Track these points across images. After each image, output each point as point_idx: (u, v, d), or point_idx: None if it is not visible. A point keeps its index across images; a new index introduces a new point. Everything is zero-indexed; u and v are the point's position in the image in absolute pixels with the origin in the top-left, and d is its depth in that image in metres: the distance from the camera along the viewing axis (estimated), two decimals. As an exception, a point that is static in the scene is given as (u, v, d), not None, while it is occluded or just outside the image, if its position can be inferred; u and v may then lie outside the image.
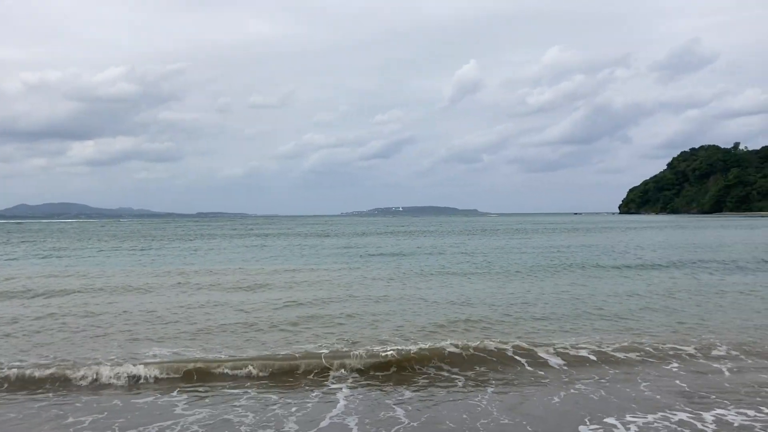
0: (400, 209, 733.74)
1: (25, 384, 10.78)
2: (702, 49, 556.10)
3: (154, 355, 12.64)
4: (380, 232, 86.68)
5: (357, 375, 11.37)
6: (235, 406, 9.78)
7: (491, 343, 12.91)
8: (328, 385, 10.86)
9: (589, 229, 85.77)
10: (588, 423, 8.85)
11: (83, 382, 10.89)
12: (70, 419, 9.21)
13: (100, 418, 9.23)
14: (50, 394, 10.42)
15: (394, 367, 11.66)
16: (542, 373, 11.49)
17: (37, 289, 22.58)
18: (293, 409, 9.62)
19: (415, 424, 8.92)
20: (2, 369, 11.38)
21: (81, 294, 21.59)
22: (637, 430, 8.59)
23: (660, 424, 8.76)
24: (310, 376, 11.30)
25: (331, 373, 11.38)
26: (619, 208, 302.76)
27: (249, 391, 10.54)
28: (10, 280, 26.08)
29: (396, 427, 8.80)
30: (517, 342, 13.10)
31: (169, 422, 9.06)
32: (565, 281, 24.64)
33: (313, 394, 10.38)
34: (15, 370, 11.22)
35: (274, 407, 9.72)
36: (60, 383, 10.86)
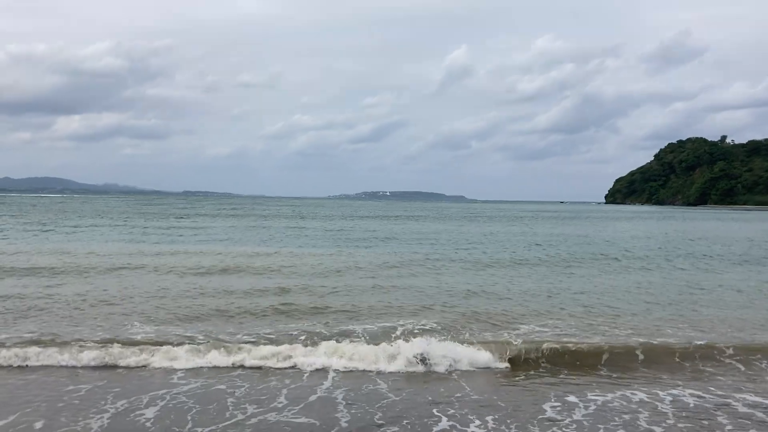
0: (388, 194, 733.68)
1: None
2: (692, 41, 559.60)
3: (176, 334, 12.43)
4: (392, 216, 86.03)
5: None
6: (232, 377, 9.63)
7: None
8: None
9: (589, 218, 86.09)
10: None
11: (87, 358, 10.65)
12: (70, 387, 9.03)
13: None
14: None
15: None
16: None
17: (31, 264, 22.17)
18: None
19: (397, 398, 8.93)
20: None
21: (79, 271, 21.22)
22: None
23: None
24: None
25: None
26: (605, 198, 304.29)
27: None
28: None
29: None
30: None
31: (162, 391, 8.91)
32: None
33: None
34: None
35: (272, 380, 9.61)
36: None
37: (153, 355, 10.22)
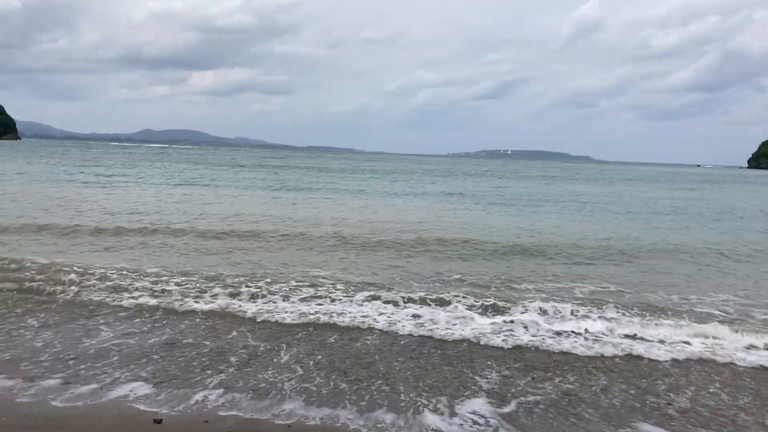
0: (509, 152, 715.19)
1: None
2: None
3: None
4: (534, 176, 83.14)
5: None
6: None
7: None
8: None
9: None
10: None
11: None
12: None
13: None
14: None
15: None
16: None
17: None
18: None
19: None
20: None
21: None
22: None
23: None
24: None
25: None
26: (748, 162, 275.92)
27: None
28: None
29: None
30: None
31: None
32: None
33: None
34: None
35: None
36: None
37: None
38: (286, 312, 9.96)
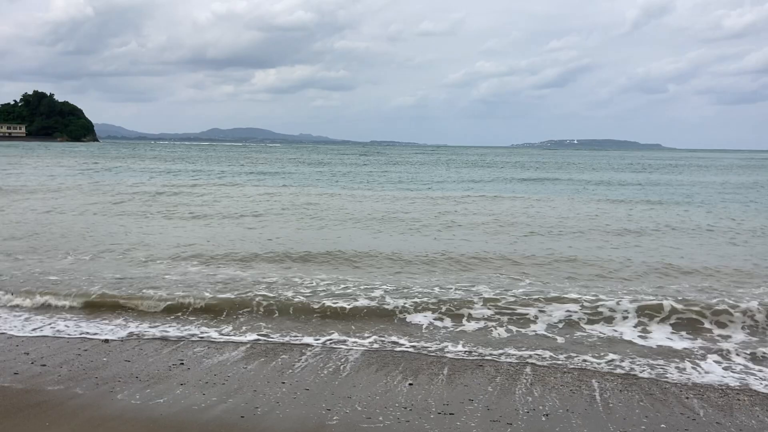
0: (575, 142, 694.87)
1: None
2: None
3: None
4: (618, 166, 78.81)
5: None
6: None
7: None
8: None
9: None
10: None
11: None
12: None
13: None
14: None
15: None
16: None
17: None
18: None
19: None
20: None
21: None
22: None
23: None
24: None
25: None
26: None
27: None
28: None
29: None
30: None
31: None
32: None
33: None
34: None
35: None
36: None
37: None
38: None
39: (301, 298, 9.55)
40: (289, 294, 9.72)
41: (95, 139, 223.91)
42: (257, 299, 9.38)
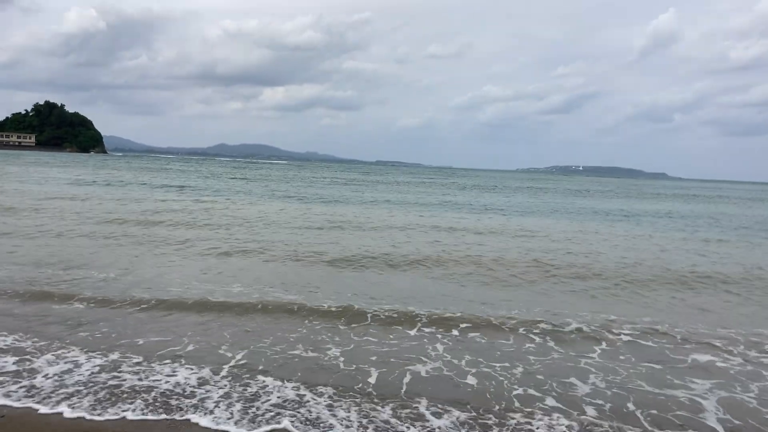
0: (581, 168, 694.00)
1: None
2: None
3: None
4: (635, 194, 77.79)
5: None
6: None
7: None
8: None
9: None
10: None
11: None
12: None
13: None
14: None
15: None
16: None
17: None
18: None
19: None
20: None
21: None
22: None
23: None
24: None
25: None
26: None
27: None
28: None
29: None
30: None
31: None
32: None
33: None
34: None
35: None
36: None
37: None
38: None
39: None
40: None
41: (104, 151, 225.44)
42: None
